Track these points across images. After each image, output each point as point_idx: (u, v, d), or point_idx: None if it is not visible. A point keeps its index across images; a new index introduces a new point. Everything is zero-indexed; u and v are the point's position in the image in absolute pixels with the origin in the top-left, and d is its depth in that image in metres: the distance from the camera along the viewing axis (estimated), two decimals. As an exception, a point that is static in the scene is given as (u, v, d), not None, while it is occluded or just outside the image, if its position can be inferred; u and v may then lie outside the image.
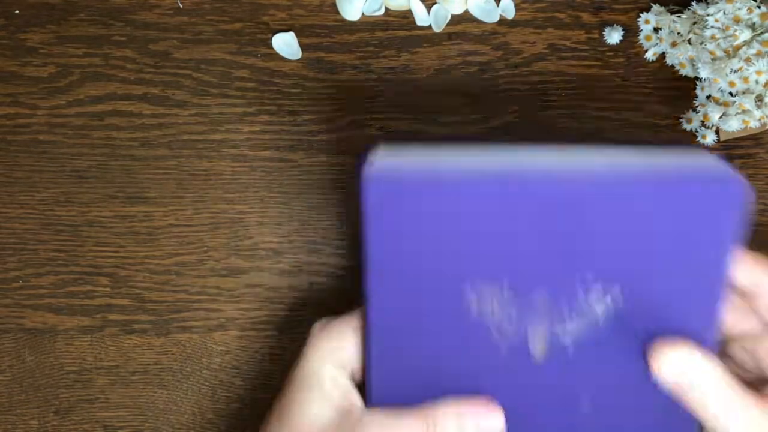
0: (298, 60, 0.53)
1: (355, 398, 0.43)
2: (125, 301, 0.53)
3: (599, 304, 0.39)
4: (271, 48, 0.53)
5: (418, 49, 0.53)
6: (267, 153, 0.53)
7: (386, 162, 0.38)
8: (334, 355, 0.43)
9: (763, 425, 0.38)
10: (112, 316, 0.54)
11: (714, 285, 0.39)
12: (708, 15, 0.48)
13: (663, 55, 0.52)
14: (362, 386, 0.44)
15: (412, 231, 0.38)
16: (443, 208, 0.37)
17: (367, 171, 0.37)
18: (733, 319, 0.43)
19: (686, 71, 0.51)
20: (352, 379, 0.43)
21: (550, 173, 0.37)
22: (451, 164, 0.38)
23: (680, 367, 0.38)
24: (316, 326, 0.44)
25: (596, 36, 0.53)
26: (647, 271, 0.38)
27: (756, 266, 0.41)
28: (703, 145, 0.51)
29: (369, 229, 0.38)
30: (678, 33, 0.50)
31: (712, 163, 0.39)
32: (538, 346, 0.40)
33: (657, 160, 0.39)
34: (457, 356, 0.40)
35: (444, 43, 0.53)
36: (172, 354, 0.54)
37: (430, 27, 0.53)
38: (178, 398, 0.54)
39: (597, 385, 0.41)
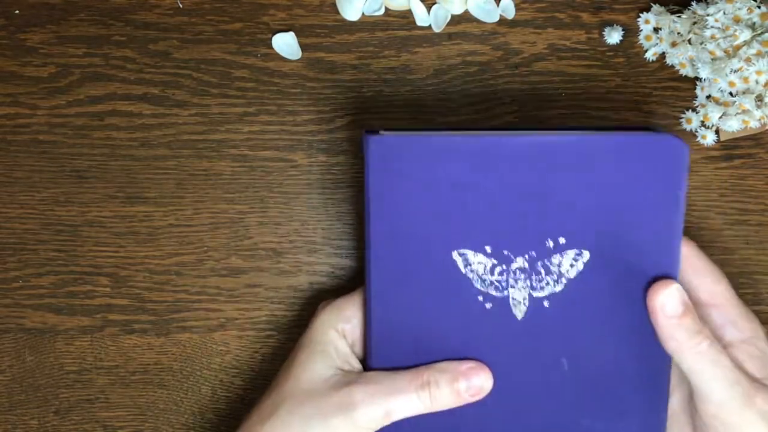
0: (298, 60, 0.53)
1: (355, 362, 0.47)
2: (125, 301, 0.53)
3: (573, 268, 0.44)
4: (271, 48, 0.53)
5: (418, 49, 0.53)
6: (267, 153, 0.53)
7: (386, 134, 0.44)
8: (336, 325, 0.47)
9: (734, 379, 0.42)
10: (112, 316, 0.54)
11: (669, 238, 0.44)
12: (708, 15, 0.48)
13: (663, 55, 0.52)
14: (362, 360, 0.47)
15: (407, 194, 0.43)
16: (433, 168, 0.43)
17: (369, 136, 0.43)
18: None
19: (686, 71, 0.51)
20: (352, 349, 0.47)
21: (523, 136, 0.44)
22: (441, 135, 0.44)
23: (678, 299, 0.43)
24: (322, 303, 0.48)
25: (596, 36, 0.53)
26: (612, 231, 0.43)
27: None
28: (703, 144, 0.51)
29: (370, 184, 0.43)
30: (678, 33, 0.50)
31: (659, 132, 0.45)
32: (518, 306, 0.45)
33: (613, 133, 0.46)
34: (447, 316, 0.45)
35: (444, 43, 0.53)
36: (172, 354, 0.54)
37: (430, 27, 0.53)
38: (178, 398, 0.54)
39: (573, 339, 0.45)
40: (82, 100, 0.53)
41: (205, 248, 0.53)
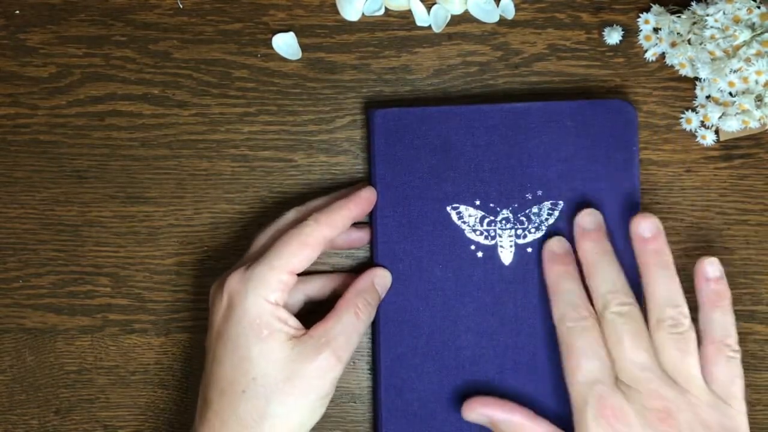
0: (298, 60, 0.53)
1: (293, 320, 0.47)
2: (125, 301, 0.53)
3: (551, 217, 0.50)
4: (271, 48, 0.53)
5: (418, 49, 0.53)
6: (267, 153, 0.53)
7: (387, 107, 0.51)
8: (268, 297, 0.46)
9: None
10: (112, 316, 0.54)
11: (629, 187, 0.50)
12: (708, 15, 0.48)
13: (663, 55, 0.52)
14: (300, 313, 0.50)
15: (406, 158, 0.50)
16: (428, 135, 0.50)
17: (374, 110, 0.50)
18: None
19: (686, 71, 0.51)
20: (286, 307, 0.47)
21: (501, 104, 0.51)
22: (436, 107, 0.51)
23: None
24: (217, 285, 0.48)
25: (596, 36, 0.53)
26: (581, 183, 0.50)
27: None
28: (703, 144, 0.51)
29: (375, 151, 0.50)
30: (678, 33, 0.50)
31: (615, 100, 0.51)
32: (505, 253, 0.50)
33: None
34: (444, 265, 0.50)
35: (444, 43, 0.53)
36: (172, 354, 0.54)
37: (430, 27, 0.53)
38: (178, 398, 0.54)
39: None
40: (83, 100, 0.53)
41: (205, 248, 0.53)
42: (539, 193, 0.50)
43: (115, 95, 0.53)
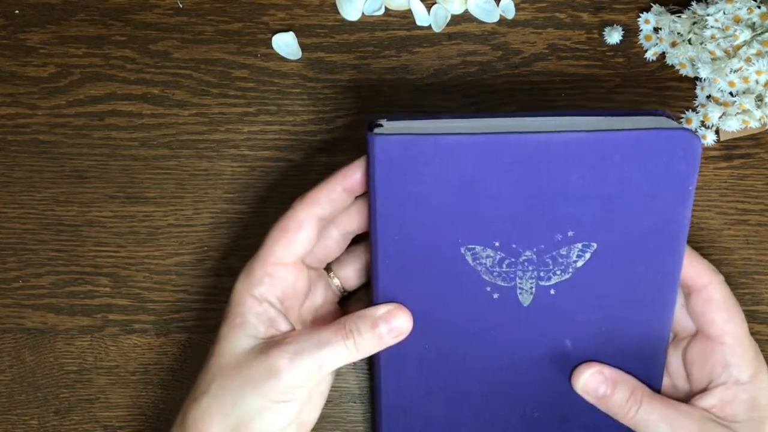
0: (298, 60, 0.53)
1: (283, 324, 0.45)
2: (125, 301, 0.53)
3: (580, 259, 0.44)
4: (271, 48, 0.53)
5: (418, 49, 0.53)
6: (267, 153, 0.53)
7: (390, 127, 0.43)
8: (251, 291, 0.45)
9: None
10: (112, 316, 0.54)
11: (676, 231, 0.43)
12: (708, 15, 0.48)
13: (663, 55, 0.52)
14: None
15: (413, 191, 0.42)
16: (440, 166, 0.42)
17: (373, 133, 0.42)
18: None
19: (686, 71, 0.51)
20: (280, 308, 0.46)
21: (529, 131, 0.42)
22: (446, 128, 0.43)
23: (599, 381, 0.46)
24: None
25: (596, 36, 0.53)
26: (620, 224, 0.43)
27: (696, 261, 0.46)
28: (703, 144, 0.51)
29: (376, 184, 0.42)
30: (678, 33, 0.50)
31: (666, 122, 0.43)
32: (525, 295, 0.45)
33: (619, 121, 0.43)
34: (454, 307, 0.45)
35: (444, 43, 0.53)
36: (172, 354, 0.54)
37: (430, 27, 0.53)
38: (178, 398, 0.54)
39: (577, 323, 0.45)
40: (83, 100, 0.53)
41: (205, 248, 0.53)
42: (570, 233, 0.43)
43: (115, 95, 0.53)
